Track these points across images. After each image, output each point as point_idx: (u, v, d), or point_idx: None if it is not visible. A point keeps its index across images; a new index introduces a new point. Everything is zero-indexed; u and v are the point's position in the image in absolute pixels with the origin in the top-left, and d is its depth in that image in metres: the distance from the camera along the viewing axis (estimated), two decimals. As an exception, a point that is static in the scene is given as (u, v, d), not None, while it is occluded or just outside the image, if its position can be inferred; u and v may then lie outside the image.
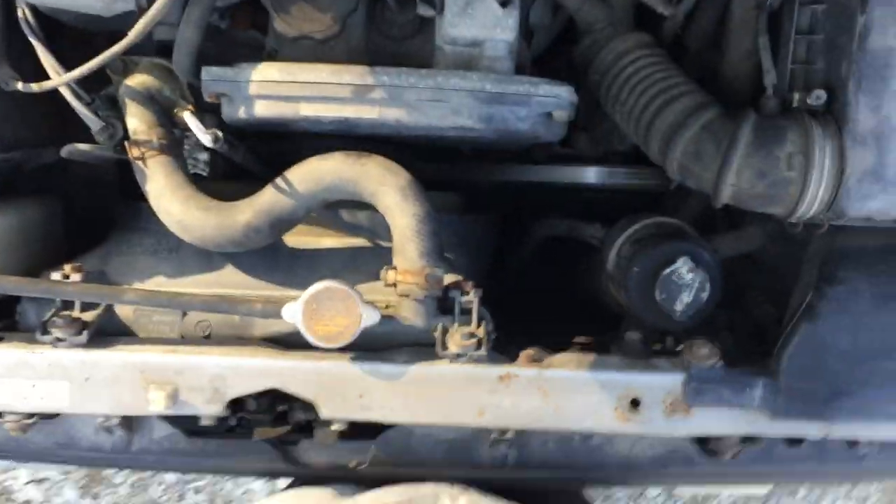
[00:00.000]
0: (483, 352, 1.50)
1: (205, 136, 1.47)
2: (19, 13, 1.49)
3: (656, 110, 1.51)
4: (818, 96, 1.41)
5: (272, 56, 1.62)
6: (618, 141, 1.92)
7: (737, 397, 1.52)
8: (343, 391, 1.52)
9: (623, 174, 1.87)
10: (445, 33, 1.52)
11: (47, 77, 1.51)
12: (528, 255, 2.07)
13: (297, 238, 1.65)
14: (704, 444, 1.64)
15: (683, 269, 1.54)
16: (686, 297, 1.55)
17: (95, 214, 1.93)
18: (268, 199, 1.51)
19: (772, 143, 1.41)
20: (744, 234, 1.76)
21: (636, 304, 1.59)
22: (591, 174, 1.89)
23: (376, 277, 1.50)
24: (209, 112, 1.64)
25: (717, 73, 1.62)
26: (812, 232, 1.50)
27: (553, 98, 1.52)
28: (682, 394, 1.52)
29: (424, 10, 1.55)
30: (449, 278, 1.54)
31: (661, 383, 1.53)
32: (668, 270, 1.54)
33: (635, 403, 1.53)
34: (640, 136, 1.56)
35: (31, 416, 1.54)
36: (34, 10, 1.49)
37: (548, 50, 1.85)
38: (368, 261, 1.63)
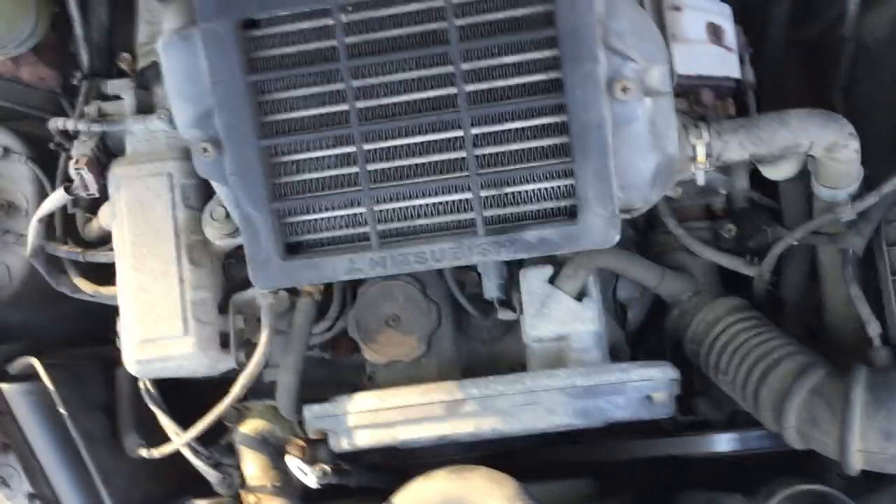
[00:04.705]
0: None
1: (309, 479, 1.50)
2: (140, 385, 1.63)
3: (759, 378, 1.43)
4: (931, 340, 1.30)
5: (371, 379, 1.68)
6: (741, 400, 1.81)
7: None
8: None
9: (755, 438, 1.73)
10: (529, 333, 1.54)
11: (167, 436, 1.62)
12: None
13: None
14: None
15: (836, 547, 1.37)
16: (849, 579, 1.37)
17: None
18: (378, 530, 1.50)
19: (890, 400, 1.29)
20: (909, 485, 1.56)
21: (794, 592, 1.42)
22: (721, 442, 1.76)
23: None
24: (324, 442, 1.68)
25: (821, 324, 1.54)
26: None
27: (648, 381, 1.47)
28: None
29: (505, 315, 1.58)
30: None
31: None
32: (819, 552, 1.38)
33: None
34: (749, 406, 1.47)
35: None
36: (153, 380, 1.63)
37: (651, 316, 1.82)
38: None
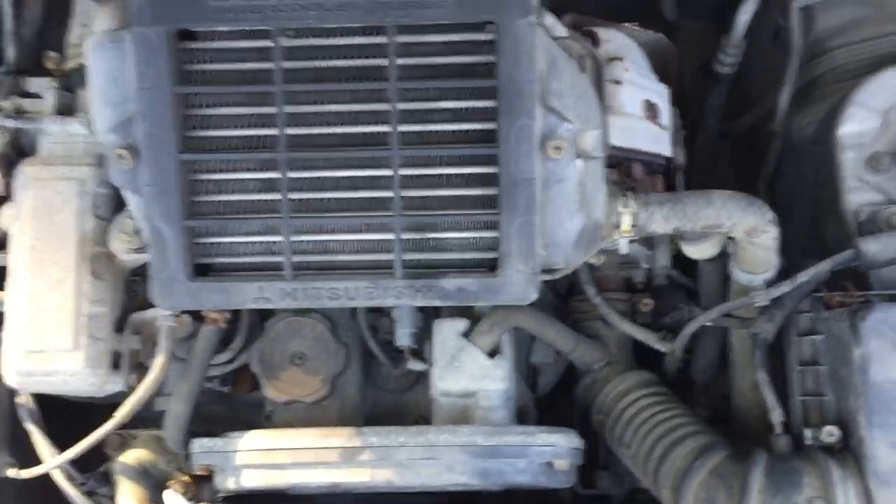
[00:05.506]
0: None
1: (187, 520, 1.42)
2: (18, 399, 1.53)
3: (661, 455, 1.42)
4: (830, 433, 1.31)
5: (269, 418, 1.61)
6: (643, 478, 1.80)
7: None
8: None
9: (652, 517, 1.72)
10: (437, 386, 1.50)
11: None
12: None
13: None
14: None
15: None
16: None
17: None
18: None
19: (787, 487, 1.29)
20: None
21: None
22: (619, 520, 1.75)
23: None
24: (209, 480, 1.60)
25: (728, 406, 1.54)
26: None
27: (552, 447, 1.44)
28: None
29: (415, 365, 1.55)
30: None
31: None
32: None
33: None
34: (649, 483, 1.46)
35: None
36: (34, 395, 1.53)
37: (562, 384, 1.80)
38: None
